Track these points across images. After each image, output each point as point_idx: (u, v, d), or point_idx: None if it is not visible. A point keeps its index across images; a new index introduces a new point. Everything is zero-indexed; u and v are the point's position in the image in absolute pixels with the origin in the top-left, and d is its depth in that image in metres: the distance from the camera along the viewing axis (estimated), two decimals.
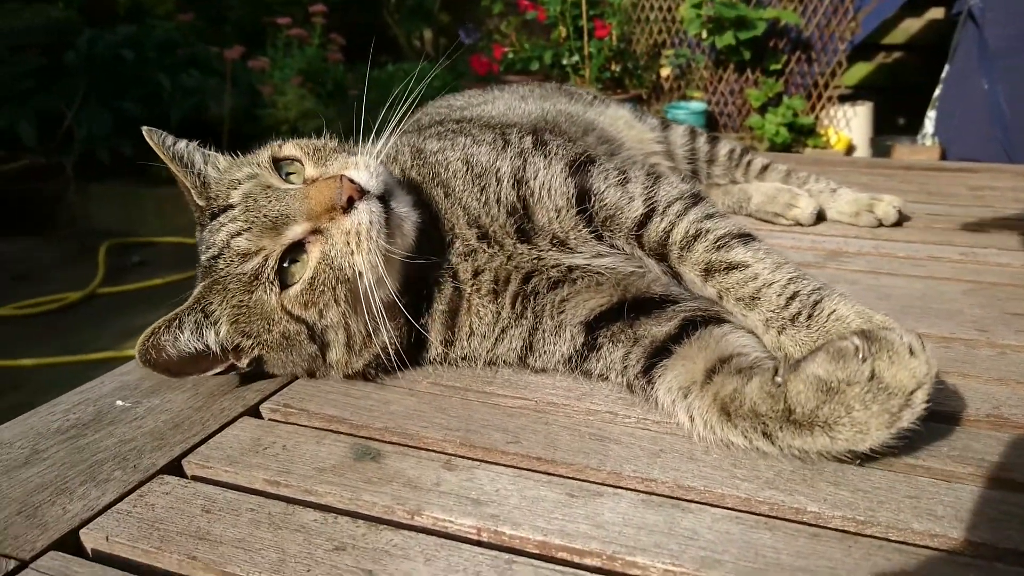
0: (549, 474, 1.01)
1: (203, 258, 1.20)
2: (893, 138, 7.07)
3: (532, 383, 1.24)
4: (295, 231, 1.13)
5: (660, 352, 1.15)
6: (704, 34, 7.16)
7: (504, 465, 1.03)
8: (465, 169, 1.32)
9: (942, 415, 1.11)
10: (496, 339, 1.27)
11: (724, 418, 1.02)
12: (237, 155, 1.34)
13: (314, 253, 1.13)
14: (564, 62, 7.73)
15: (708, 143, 2.19)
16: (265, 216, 1.13)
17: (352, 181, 1.12)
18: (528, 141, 1.40)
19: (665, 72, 7.67)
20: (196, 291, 1.19)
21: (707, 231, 1.24)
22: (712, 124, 7.60)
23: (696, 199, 1.32)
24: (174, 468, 1.06)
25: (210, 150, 1.33)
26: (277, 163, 1.23)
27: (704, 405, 1.04)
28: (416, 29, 11.30)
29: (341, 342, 1.18)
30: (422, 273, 1.24)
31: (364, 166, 1.17)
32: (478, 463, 1.03)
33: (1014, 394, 1.16)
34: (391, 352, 1.20)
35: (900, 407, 0.91)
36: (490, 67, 9.08)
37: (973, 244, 1.87)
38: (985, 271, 1.68)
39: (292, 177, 1.22)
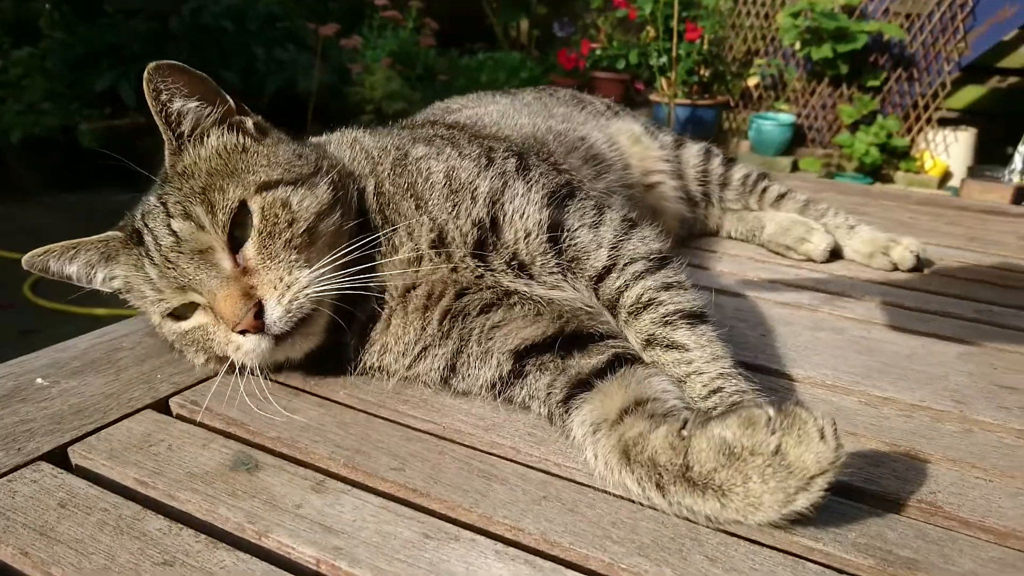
0: (418, 508, 0.96)
1: (138, 217, 1.17)
2: (995, 168, 6.64)
3: (448, 406, 1.20)
4: (195, 297, 1.14)
5: (583, 384, 1.11)
6: (798, 45, 6.88)
7: (377, 493, 0.99)
8: (444, 182, 1.28)
9: (867, 493, 1.01)
10: (416, 357, 1.22)
11: (624, 461, 0.97)
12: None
13: (200, 318, 1.16)
14: (651, 63, 7.57)
15: (723, 166, 2.07)
16: (176, 277, 1.12)
17: (258, 315, 1.09)
18: (512, 163, 1.34)
19: (753, 81, 7.42)
20: (112, 236, 1.20)
21: (659, 303, 1.18)
22: (800, 138, 7.33)
23: (662, 262, 1.24)
24: (57, 456, 1.06)
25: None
26: (242, 208, 1.13)
27: (609, 444, 1.00)
28: (513, 19, 11.27)
29: (199, 361, 1.23)
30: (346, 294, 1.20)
31: (286, 302, 1.11)
32: (351, 487, 0.99)
33: (961, 479, 1.05)
34: None
35: (797, 489, 0.85)
36: (577, 63, 9.02)
37: (994, 301, 1.71)
38: (994, 333, 1.54)
39: (244, 234, 1.13)
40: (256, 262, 1.12)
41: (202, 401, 1.18)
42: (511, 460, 1.07)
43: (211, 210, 1.11)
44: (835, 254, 1.94)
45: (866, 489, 1.02)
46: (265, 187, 1.14)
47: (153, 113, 1.16)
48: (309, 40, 8.02)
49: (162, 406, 1.19)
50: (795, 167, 7.04)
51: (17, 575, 0.86)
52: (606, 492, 1.00)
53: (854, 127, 6.90)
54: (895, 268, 1.88)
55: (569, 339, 1.17)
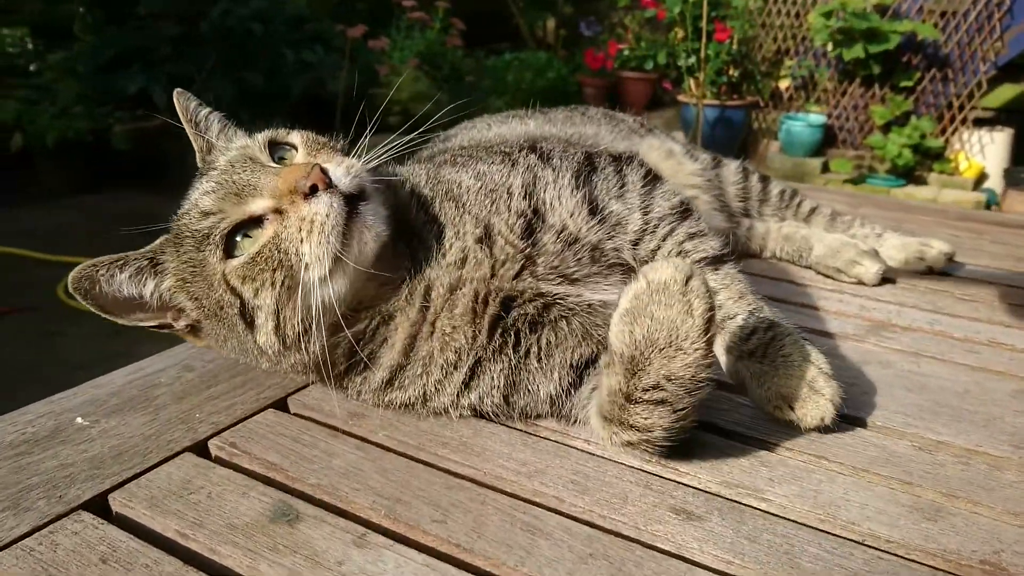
0: (462, 565, 0.94)
1: (175, 215, 1.20)
2: None
3: (488, 450, 1.17)
4: (257, 205, 1.11)
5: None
6: (830, 45, 6.78)
7: (420, 547, 0.97)
8: (479, 185, 1.31)
9: (927, 552, 0.97)
10: (471, 371, 1.20)
11: (606, 423, 1.10)
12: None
13: (268, 231, 1.11)
14: (680, 63, 7.49)
15: (760, 182, 2.09)
16: (234, 182, 1.13)
17: (323, 171, 1.09)
18: (532, 157, 1.38)
19: (784, 84, 7.33)
20: (155, 243, 1.19)
21: (687, 253, 1.32)
22: (831, 139, 7.24)
23: (684, 214, 1.37)
24: (98, 504, 1.05)
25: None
26: (274, 146, 1.23)
27: (598, 420, 1.13)
28: (539, 18, 11.23)
29: (269, 328, 1.12)
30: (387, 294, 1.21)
31: (346, 165, 1.15)
32: (393, 542, 0.97)
33: None
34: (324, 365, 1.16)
35: (680, 291, 0.99)
36: (604, 63, 8.96)
37: None
38: None
39: (283, 161, 1.21)
40: (304, 160, 1.19)
41: (241, 443, 1.17)
42: (555, 511, 1.05)
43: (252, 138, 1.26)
44: (886, 278, 1.90)
45: (925, 547, 0.98)
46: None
47: (184, 122, 1.30)
48: (336, 42, 8.02)
49: (201, 448, 1.18)
50: (825, 168, 6.95)
51: None
52: (653, 548, 0.98)
53: (886, 128, 6.79)
54: (930, 270, 1.97)
55: None
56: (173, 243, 1.16)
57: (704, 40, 6.70)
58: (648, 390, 1.01)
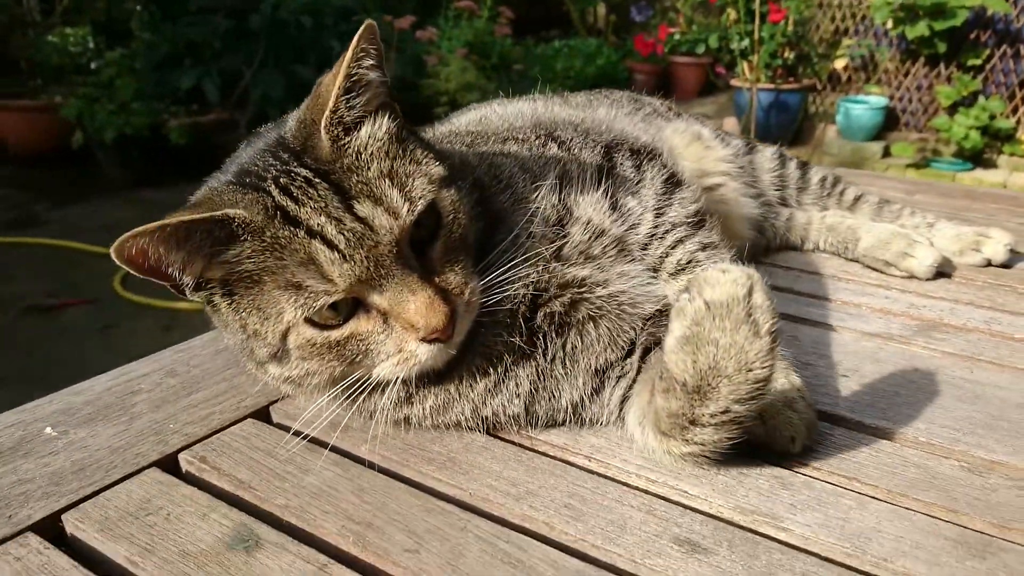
0: None
1: (272, 190, 0.93)
2: None
3: (477, 467, 1.06)
4: (374, 300, 0.95)
5: (631, 384, 1.13)
6: (891, 23, 6.46)
7: None
8: (524, 176, 1.21)
9: None
10: (500, 378, 1.10)
11: (663, 438, 1.01)
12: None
13: (363, 324, 0.97)
14: (732, 46, 7.23)
15: (799, 169, 1.92)
16: (358, 268, 0.92)
17: (453, 324, 0.97)
18: (554, 147, 1.29)
19: (841, 63, 7.02)
20: (229, 217, 0.90)
21: (698, 262, 1.24)
22: (892, 122, 6.91)
23: (699, 224, 1.29)
24: (49, 525, 0.97)
25: None
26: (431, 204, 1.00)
27: (652, 434, 1.04)
28: (589, 3, 11.02)
29: (293, 374, 1.00)
30: None
31: (471, 308, 1.02)
32: (357, 575, 0.87)
33: None
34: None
35: (744, 310, 0.90)
36: (654, 48, 8.75)
37: None
38: None
39: (418, 233, 1.00)
40: (440, 264, 1.01)
41: (212, 458, 1.08)
42: (543, 539, 0.93)
43: (406, 196, 0.97)
44: (940, 272, 1.73)
45: None
46: (445, 183, 1.02)
47: (342, 76, 0.95)
48: (383, 33, 7.96)
49: (170, 462, 1.09)
50: (886, 153, 6.65)
51: None
52: None
53: (953, 109, 6.46)
54: (988, 264, 1.81)
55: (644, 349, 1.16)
56: (274, 235, 0.92)
57: (757, 22, 6.46)
58: (716, 415, 0.94)
